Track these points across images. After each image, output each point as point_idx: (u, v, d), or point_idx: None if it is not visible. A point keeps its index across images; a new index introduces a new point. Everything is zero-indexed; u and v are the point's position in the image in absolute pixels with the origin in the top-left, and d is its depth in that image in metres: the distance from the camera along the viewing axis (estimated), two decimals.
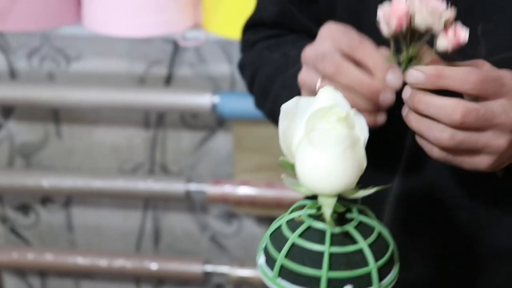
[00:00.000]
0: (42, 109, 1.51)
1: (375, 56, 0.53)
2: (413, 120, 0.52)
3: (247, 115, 1.31)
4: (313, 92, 0.54)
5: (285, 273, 0.42)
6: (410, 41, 0.50)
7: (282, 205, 1.39)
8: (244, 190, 1.41)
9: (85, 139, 1.53)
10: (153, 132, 1.51)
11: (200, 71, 1.44)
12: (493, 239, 0.67)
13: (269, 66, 0.71)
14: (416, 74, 0.50)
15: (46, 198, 1.59)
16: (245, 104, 1.26)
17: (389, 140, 0.65)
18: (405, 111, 0.53)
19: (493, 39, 0.60)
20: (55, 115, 1.53)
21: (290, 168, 0.44)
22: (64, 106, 1.44)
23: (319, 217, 0.42)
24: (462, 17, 0.58)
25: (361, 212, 0.44)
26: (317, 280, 0.40)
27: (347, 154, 0.40)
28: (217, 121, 1.47)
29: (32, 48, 1.47)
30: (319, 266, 0.40)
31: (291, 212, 0.45)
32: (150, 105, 1.40)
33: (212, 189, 1.41)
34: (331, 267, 0.40)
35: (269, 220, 1.50)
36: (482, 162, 0.52)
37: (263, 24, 0.75)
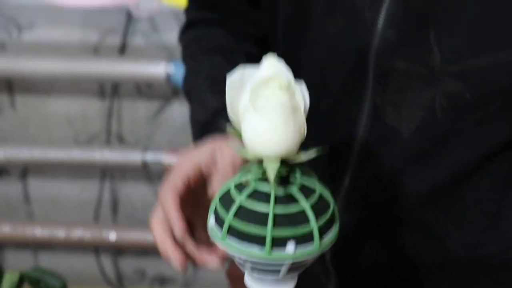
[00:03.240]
0: None
1: (157, 238, 0.57)
2: None
3: None
4: None
5: (233, 233, 0.44)
6: None
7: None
8: None
9: (40, 109, 1.52)
10: (108, 102, 1.50)
11: (154, 41, 1.43)
12: (444, 249, 0.66)
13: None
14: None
15: (2, 170, 1.58)
16: None
17: (338, 139, 0.63)
18: None
19: (448, 47, 0.57)
20: (9, 85, 1.51)
21: (238, 136, 0.46)
22: (17, 76, 1.43)
23: (264, 180, 0.44)
24: (413, 22, 0.57)
25: (304, 174, 0.46)
26: (262, 238, 0.43)
27: (288, 120, 0.42)
28: (172, 90, 1.47)
29: None
30: (264, 225, 0.43)
31: (240, 175, 0.47)
32: (105, 75, 1.39)
33: (169, 159, 1.43)
34: (275, 226, 0.43)
35: None
36: None
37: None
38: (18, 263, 1.63)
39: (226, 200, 0.45)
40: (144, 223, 1.58)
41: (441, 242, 0.66)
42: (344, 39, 0.61)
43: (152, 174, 1.55)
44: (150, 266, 1.63)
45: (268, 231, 0.42)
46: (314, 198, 0.44)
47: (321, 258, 0.68)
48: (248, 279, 0.47)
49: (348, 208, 0.65)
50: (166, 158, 1.43)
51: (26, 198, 1.60)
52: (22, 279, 0.76)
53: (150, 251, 1.59)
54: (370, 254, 0.68)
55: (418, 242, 0.67)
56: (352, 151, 0.63)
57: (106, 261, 1.63)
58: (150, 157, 1.43)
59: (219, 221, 0.45)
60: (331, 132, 0.64)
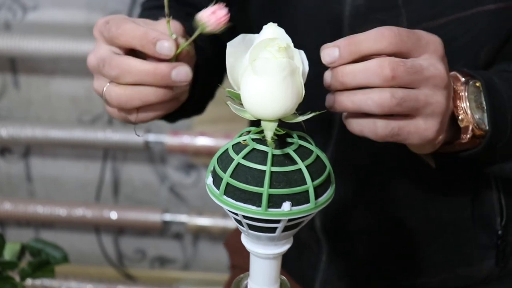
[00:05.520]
0: None
1: (136, 33, 0.52)
2: (345, 100, 0.49)
3: None
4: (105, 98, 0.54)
5: (230, 190, 0.45)
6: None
7: None
8: (202, 141, 1.43)
9: (43, 90, 1.53)
10: None
11: None
12: (429, 212, 0.68)
13: None
14: (329, 51, 0.48)
15: (5, 149, 1.60)
16: None
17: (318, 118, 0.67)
18: (330, 99, 0.50)
19: (413, 9, 0.60)
20: (12, 65, 1.52)
21: (236, 98, 0.47)
22: (21, 56, 1.44)
23: (262, 140, 0.46)
24: None
25: (301, 138, 0.48)
26: (258, 196, 0.44)
27: (286, 81, 0.43)
28: None
29: None
30: (261, 184, 0.44)
31: (238, 137, 0.48)
32: None
33: (170, 140, 1.44)
34: (271, 185, 0.44)
35: None
36: (428, 128, 0.50)
37: None
38: (20, 240, 1.64)
39: (224, 159, 0.46)
40: (144, 204, 1.60)
41: (426, 204, 0.68)
42: (319, 10, 0.64)
43: (154, 156, 1.57)
44: (151, 247, 1.64)
45: (265, 187, 0.44)
46: (310, 158, 0.46)
47: (311, 224, 0.70)
48: (244, 240, 0.48)
49: (336, 168, 0.67)
50: (168, 139, 1.44)
51: (28, 176, 1.61)
52: (23, 249, 0.77)
53: (150, 231, 1.61)
54: (357, 218, 0.70)
55: (404, 205, 0.69)
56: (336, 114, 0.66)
57: (107, 241, 1.65)
58: (152, 138, 1.45)
59: (217, 180, 0.46)
60: (316, 99, 0.67)
